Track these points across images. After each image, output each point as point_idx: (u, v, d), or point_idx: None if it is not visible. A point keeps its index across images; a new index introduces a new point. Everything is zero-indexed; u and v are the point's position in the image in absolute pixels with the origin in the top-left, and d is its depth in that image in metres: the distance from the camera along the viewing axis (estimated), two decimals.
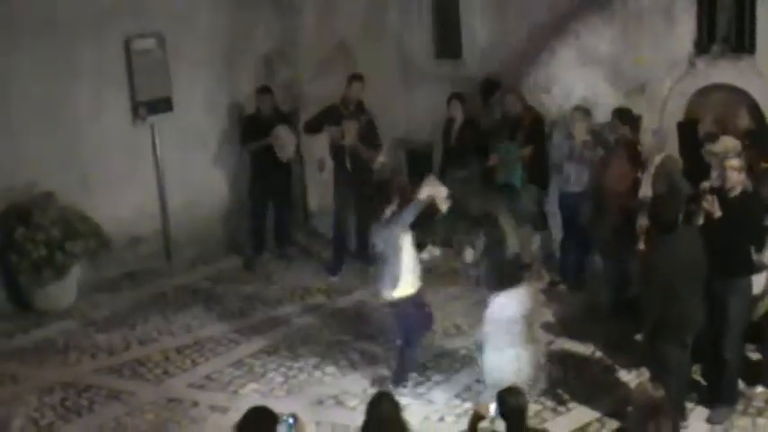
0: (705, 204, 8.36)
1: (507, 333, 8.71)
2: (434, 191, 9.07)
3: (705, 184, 8.58)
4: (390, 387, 9.07)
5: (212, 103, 12.77)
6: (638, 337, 9.42)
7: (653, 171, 9.81)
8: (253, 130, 12.38)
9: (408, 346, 9.34)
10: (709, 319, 8.32)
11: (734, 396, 8.71)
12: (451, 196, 9.20)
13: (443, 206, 9.15)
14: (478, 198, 10.16)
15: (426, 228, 9.64)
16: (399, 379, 9.37)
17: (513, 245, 8.81)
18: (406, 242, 8.98)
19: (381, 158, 11.97)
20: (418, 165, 13.94)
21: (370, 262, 12.18)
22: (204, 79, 12.60)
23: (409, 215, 8.92)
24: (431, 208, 9.18)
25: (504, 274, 8.81)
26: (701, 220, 8.49)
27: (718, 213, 8.30)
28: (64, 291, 11.43)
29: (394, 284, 8.99)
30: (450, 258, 11.95)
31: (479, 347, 9.07)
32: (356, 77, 12.20)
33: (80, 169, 11.77)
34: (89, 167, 11.83)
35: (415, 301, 9.20)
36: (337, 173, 12.13)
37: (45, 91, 11.44)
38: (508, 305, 8.76)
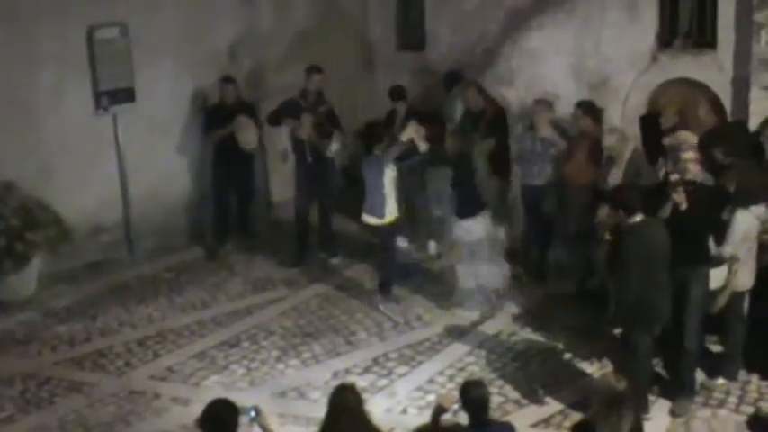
0: (675, 196, 8.49)
1: (474, 252, 10.44)
2: (415, 132, 10.52)
3: (675, 177, 8.68)
4: (378, 296, 10.81)
5: (176, 93, 12.67)
6: (609, 328, 9.39)
7: (623, 165, 9.92)
8: (215, 119, 12.34)
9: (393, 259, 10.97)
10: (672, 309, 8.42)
11: (693, 384, 8.80)
12: (430, 139, 10.72)
13: (422, 146, 10.57)
14: (456, 141, 11.48)
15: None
16: (385, 285, 10.81)
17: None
18: (390, 175, 10.42)
19: (335, 145, 11.92)
20: None
21: (332, 253, 12.24)
22: (168, 69, 12.49)
23: (393, 152, 10.44)
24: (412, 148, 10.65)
25: (472, 203, 10.48)
26: (668, 212, 8.58)
27: (684, 205, 8.44)
28: (24, 281, 11.32)
29: (379, 211, 10.46)
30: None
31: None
32: (315, 69, 12.08)
33: (41, 159, 11.65)
34: (50, 157, 11.72)
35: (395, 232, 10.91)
36: (298, 165, 12.11)
37: (4, 79, 11.31)
38: (474, 228, 10.42)
